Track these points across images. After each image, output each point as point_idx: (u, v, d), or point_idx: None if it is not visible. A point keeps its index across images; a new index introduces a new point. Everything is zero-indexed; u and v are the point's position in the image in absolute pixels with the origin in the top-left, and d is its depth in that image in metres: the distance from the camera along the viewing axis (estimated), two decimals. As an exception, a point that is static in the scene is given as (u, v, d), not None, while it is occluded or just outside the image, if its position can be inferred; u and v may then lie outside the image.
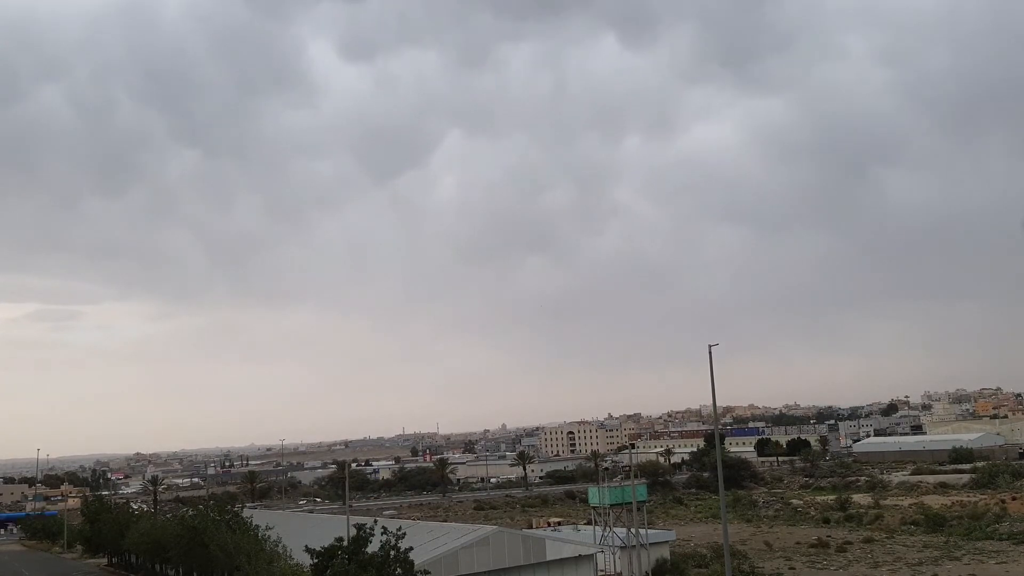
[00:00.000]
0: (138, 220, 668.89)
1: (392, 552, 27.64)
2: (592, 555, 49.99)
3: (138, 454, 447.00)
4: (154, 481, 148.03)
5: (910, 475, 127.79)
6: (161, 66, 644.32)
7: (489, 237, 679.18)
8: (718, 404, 38.87)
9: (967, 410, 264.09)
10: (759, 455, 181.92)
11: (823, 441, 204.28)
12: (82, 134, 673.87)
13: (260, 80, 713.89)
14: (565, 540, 51.41)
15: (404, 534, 28.32)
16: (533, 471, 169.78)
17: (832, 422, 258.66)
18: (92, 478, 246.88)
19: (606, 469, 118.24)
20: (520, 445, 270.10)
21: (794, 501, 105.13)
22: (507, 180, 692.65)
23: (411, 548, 28.82)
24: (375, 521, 29.26)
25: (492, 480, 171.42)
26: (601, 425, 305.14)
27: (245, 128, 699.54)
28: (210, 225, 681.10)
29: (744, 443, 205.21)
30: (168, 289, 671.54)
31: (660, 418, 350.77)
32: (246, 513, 45.07)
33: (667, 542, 60.48)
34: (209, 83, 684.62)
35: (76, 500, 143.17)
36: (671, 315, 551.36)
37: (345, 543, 28.12)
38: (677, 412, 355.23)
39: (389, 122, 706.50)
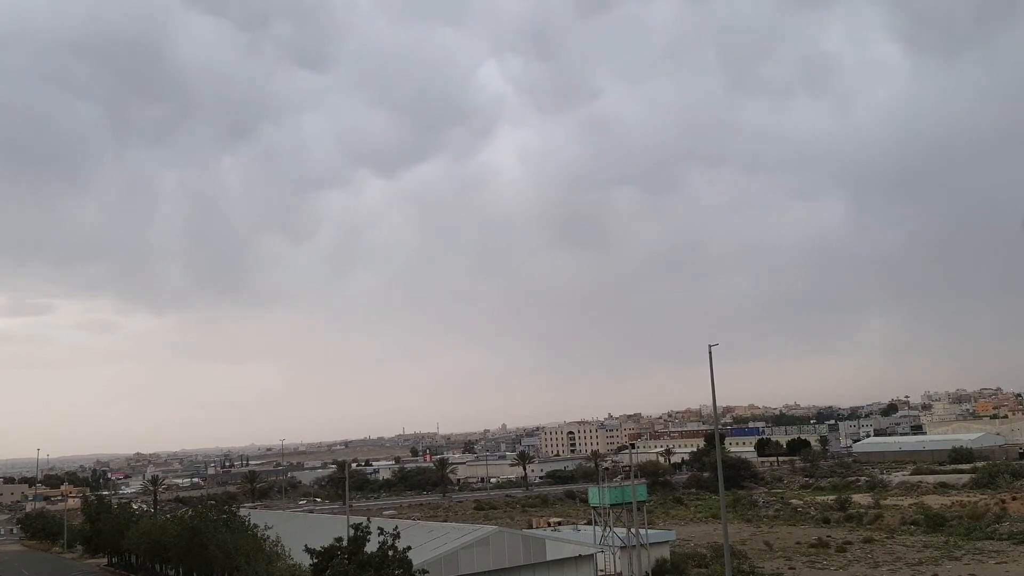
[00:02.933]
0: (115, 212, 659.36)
1: (390, 552, 27.61)
2: (592, 555, 49.98)
3: (138, 454, 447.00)
4: (154, 481, 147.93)
5: (910, 475, 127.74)
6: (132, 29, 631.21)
7: (506, 231, 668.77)
8: (718, 404, 38.85)
9: (967, 410, 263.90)
10: (759, 455, 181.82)
11: (823, 441, 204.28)
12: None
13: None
14: (565, 540, 51.39)
15: (399, 533, 28.28)
16: (533, 471, 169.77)
17: (832, 422, 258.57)
18: (92, 478, 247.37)
19: (606, 469, 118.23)
20: (520, 445, 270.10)
21: (794, 501, 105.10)
22: (552, 163, 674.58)
23: (409, 548, 28.79)
24: (368, 520, 29.22)
25: (492, 480, 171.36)
26: (601, 425, 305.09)
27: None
28: (199, 219, 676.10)
29: (744, 443, 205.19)
30: (162, 288, 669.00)
31: (660, 418, 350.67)
32: (243, 512, 45.12)
33: (667, 542, 60.47)
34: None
35: (76, 500, 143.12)
36: (672, 315, 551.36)
37: (344, 543, 28.09)
38: (677, 412, 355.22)
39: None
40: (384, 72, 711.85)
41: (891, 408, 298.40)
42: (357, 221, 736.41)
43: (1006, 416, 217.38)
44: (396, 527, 29.09)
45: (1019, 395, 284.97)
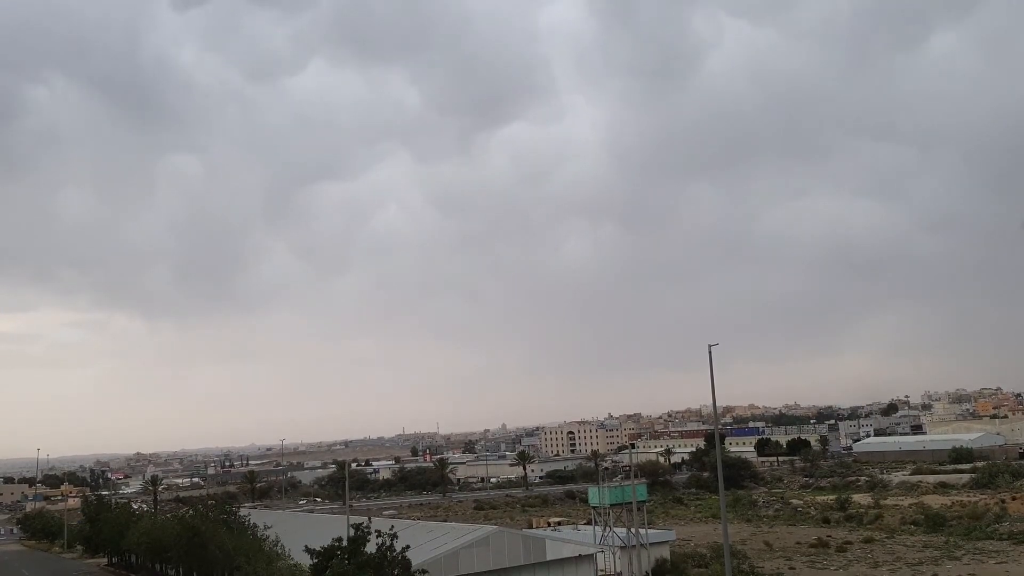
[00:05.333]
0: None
1: (389, 552, 27.63)
2: (592, 555, 50.01)
3: (138, 454, 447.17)
4: (154, 481, 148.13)
5: (910, 475, 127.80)
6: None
7: (512, 224, 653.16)
8: (718, 404, 38.84)
9: (967, 410, 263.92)
10: (759, 455, 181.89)
11: (823, 441, 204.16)
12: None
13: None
14: (565, 540, 51.41)
15: (396, 534, 28.30)
16: (533, 471, 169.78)
17: (832, 422, 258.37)
18: (92, 478, 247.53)
19: (606, 469, 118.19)
20: (520, 445, 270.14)
21: (794, 501, 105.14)
22: (580, 143, 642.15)
23: (408, 547, 28.80)
24: (368, 520, 29.24)
25: (492, 480, 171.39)
26: (601, 425, 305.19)
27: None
28: (195, 213, 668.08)
29: (744, 443, 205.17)
30: (160, 288, 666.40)
31: (660, 418, 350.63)
32: (243, 512, 45.09)
33: (667, 542, 60.47)
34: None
35: (76, 500, 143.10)
36: (671, 314, 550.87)
37: (344, 543, 28.11)
38: (677, 412, 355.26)
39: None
40: (401, 33, 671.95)
41: (891, 408, 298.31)
42: (359, 214, 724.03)
43: (1006, 416, 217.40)
44: (393, 527, 29.12)
45: (1019, 395, 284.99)
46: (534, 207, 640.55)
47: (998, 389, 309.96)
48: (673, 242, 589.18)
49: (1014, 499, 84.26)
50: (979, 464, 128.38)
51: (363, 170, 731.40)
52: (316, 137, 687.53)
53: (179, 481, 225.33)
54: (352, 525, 28.90)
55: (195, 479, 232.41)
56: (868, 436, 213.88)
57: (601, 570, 52.36)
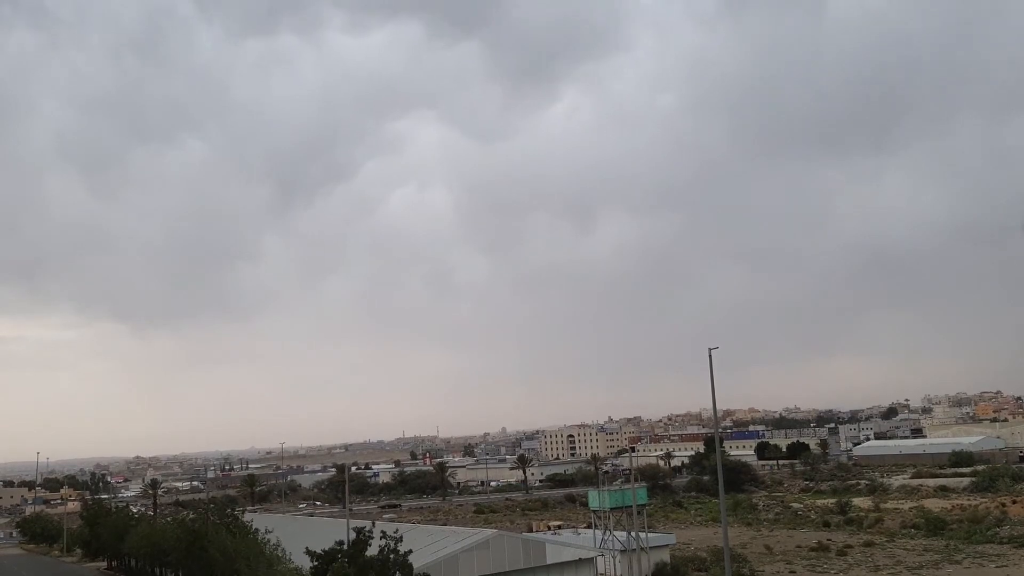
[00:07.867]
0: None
1: (391, 555, 27.66)
2: (592, 558, 50.06)
3: (138, 457, 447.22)
4: (154, 484, 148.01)
5: (910, 478, 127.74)
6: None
7: (516, 216, 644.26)
8: (718, 408, 38.84)
9: (967, 413, 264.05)
10: (759, 459, 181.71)
11: (823, 444, 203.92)
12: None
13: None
14: (565, 543, 51.43)
15: (402, 537, 28.33)
16: (533, 474, 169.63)
17: (832, 425, 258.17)
18: (91, 481, 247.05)
19: (606, 472, 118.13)
20: (520, 448, 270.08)
21: (794, 504, 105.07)
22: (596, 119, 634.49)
23: (410, 551, 28.82)
24: (373, 524, 29.26)
25: (492, 483, 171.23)
26: (601, 428, 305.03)
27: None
28: (194, 209, 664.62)
29: (744, 446, 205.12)
30: (159, 290, 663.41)
31: (660, 421, 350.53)
32: (246, 517, 45.04)
33: (667, 546, 60.50)
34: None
35: (75, 503, 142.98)
36: (672, 317, 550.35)
37: (345, 546, 28.13)
38: (677, 415, 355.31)
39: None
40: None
41: (891, 411, 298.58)
42: (356, 208, 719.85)
43: (1006, 419, 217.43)
44: (397, 530, 29.15)
45: (1019, 398, 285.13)
46: (539, 203, 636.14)
47: (998, 393, 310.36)
48: (680, 240, 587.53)
49: (1014, 503, 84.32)
50: (979, 468, 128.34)
51: (363, 161, 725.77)
52: (314, 118, 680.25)
53: (179, 485, 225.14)
54: (354, 528, 28.92)
55: (195, 483, 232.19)
56: (868, 440, 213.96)
57: (601, 574, 52.41)
